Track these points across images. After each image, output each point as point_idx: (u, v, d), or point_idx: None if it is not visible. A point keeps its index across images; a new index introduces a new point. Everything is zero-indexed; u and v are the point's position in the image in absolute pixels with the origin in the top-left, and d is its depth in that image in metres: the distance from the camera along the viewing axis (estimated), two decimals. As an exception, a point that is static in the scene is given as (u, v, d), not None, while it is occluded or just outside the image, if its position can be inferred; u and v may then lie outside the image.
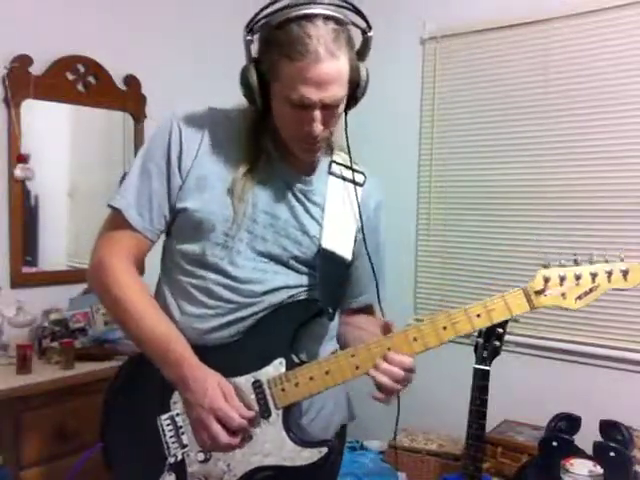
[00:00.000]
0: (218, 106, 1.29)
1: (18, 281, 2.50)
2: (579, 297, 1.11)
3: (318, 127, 1.15)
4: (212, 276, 1.23)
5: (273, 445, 1.18)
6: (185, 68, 2.93)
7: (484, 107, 2.79)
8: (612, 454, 1.95)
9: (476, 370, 1.78)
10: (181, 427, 1.20)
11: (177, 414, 1.20)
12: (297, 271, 1.27)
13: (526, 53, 2.66)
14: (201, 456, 1.19)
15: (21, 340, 2.34)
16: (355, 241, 1.31)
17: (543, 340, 2.64)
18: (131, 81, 2.82)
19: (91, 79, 2.70)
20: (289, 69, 1.09)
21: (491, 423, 2.26)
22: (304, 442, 1.20)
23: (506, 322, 1.72)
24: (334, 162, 1.33)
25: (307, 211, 1.27)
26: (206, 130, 1.23)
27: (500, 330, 1.72)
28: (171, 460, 1.20)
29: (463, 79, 2.85)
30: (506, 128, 2.73)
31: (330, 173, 1.31)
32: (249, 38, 1.12)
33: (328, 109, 1.14)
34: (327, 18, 1.09)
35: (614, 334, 2.50)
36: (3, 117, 2.47)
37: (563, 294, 1.11)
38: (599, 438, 2.05)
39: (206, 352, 1.19)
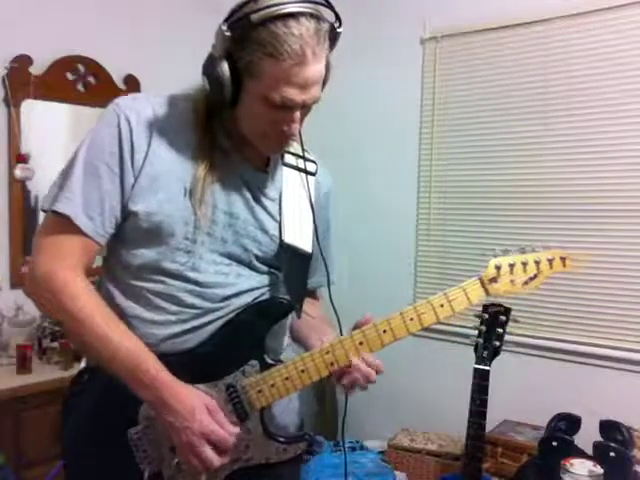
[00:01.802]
0: (160, 93, 1.22)
1: (18, 281, 2.51)
2: (525, 283, 1.21)
3: (296, 127, 1.14)
4: (173, 282, 1.16)
5: (253, 446, 1.19)
6: (185, 68, 2.93)
7: (484, 107, 2.79)
8: (612, 454, 1.95)
9: (476, 370, 1.77)
10: (154, 439, 1.15)
11: (147, 426, 1.15)
12: (258, 271, 1.24)
13: (526, 53, 2.66)
14: (178, 464, 1.15)
15: (21, 340, 2.34)
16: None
17: (543, 340, 2.64)
18: (131, 81, 2.83)
19: (91, 79, 2.71)
20: (272, 69, 1.05)
21: (491, 423, 2.26)
22: (283, 439, 1.21)
23: (506, 322, 1.72)
24: (286, 152, 1.28)
25: (264, 208, 1.23)
26: (156, 123, 1.15)
27: (500, 330, 1.71)
28: (147, 473, 1.15)
29: (463, 79, 2.84)
30: (506, 128, 2.73)
31: (284, 164, 1.28)
32: (228, 34, 1.06)
33: (305, 108, 1.13)
34: (311, 16, 1.05)
35: (614, 334, 2.49)
36: (3, 117, 2.47)
37: (512, 281, 1.21)
38: (599, 438, 2.04)
39: (173, 359, 1.14)
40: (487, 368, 1.75)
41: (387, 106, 3.08)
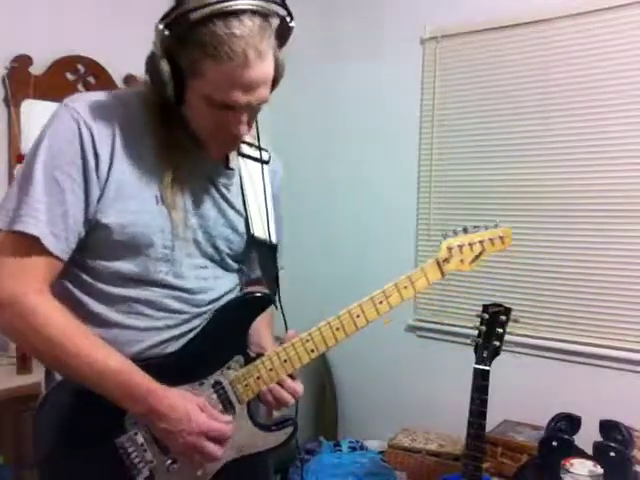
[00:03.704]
0: (110, 91, 1.15)
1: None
2: (472, 261, 1.32)
3: (244, 129, 1.10)
4: (158, 289, 1.14)
5: (242, 437, 1.20)
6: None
7: (484, 107, 2.79)
8: (612, 454, 1.95)
9: (476, 370, 1.77)
10: (142, 444, 1.14)
11: (135, 433, 1.14)
12: (229, 269, 1.25)
13: (526, 53, 2.66)
14: (170, 466, 1.16)
15: (21, 340, 2.34)
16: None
17: (543, 340, 2.64)
18: (131, 81, 2.82)
19: (91, 79, 2.71)
20: (214, 71, 1.01)
21: (491, 423, 2.26)
22: (269, 426, 1.23)
23: (506, 322, 1.72)
24: (242, 142, 1.24)
25: (230, 204, 1.22)
26: (115, 128, 1.08)
27: (500, 330, 1.71)
28: (139, 478, 1.15)
29: (463, 79, 2.84)
30: (506, 128, 2.73)
31: (240, 154, 1.25)
32: (167, 34, 1.00)
33: (252, 109, 1.09)
34: (254, 13, 0.99)
35: (614, 334, 2.49)
36: (3, 117, 2.47)
37: (462, 260, 1.31)
38: (599, 438, 2.04)
39: (158, 362, 1.14)
40: (487, 368, 1.76)
41: (387, 106, 3.08)
